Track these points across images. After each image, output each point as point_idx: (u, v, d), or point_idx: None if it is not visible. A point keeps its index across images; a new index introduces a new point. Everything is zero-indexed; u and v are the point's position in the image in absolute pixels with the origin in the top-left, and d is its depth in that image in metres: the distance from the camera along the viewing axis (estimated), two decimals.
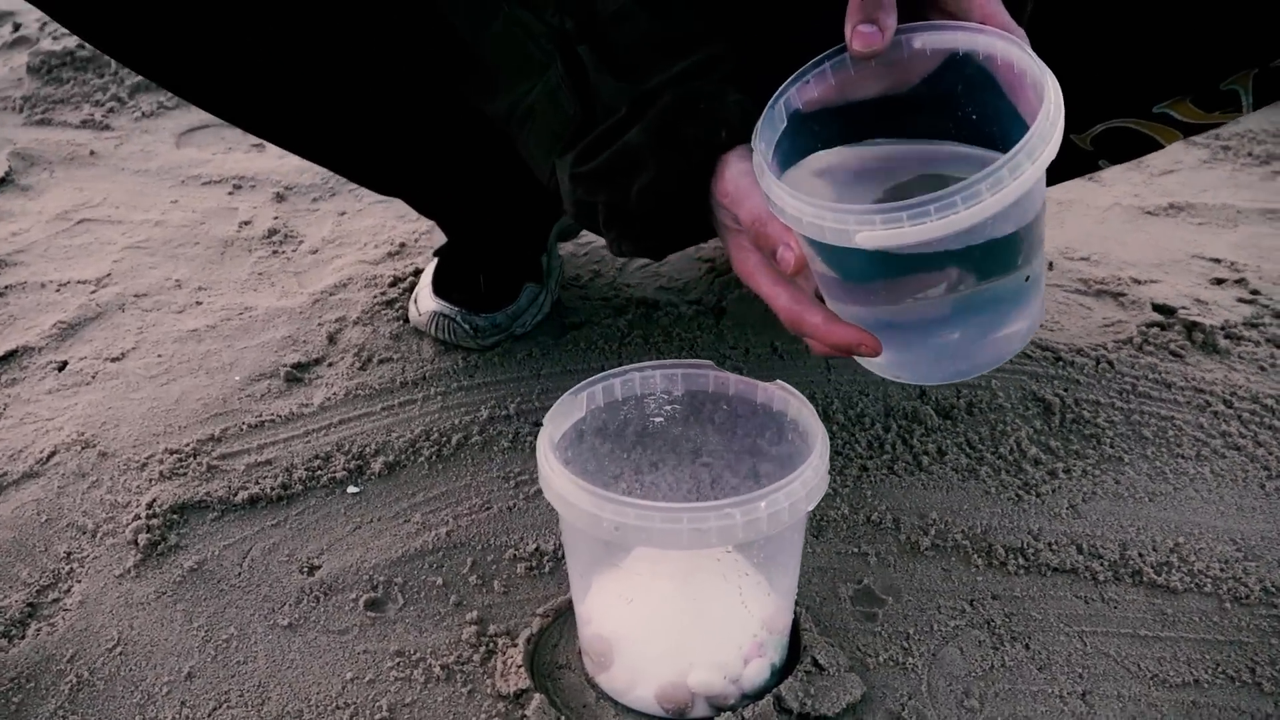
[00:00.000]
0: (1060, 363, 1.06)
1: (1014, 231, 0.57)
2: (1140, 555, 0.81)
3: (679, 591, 0.67)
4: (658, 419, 0.75)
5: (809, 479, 0.62)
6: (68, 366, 1.10)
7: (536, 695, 0.69)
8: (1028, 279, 0.60)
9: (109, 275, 1.28)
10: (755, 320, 1.14)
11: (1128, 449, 0.94)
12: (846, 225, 0.54)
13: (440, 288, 1.13)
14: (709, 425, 0.74)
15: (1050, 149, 0.53)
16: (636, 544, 0.60)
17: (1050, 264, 1.30)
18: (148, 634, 0.76)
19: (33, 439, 0.97)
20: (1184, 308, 1.16)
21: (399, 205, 1.45)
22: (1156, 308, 1.17)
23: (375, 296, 1.21)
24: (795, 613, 0.75)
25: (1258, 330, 1.12)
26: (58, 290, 1.25)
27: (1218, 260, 1.30)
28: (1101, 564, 0.80)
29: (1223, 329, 1.11)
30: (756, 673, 0.68)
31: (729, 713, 0.66)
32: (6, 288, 1.25)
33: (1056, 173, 1.00)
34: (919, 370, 0.66)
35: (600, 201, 0.69)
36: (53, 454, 0.95)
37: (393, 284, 1.23)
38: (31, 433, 0.98)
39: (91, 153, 1.60)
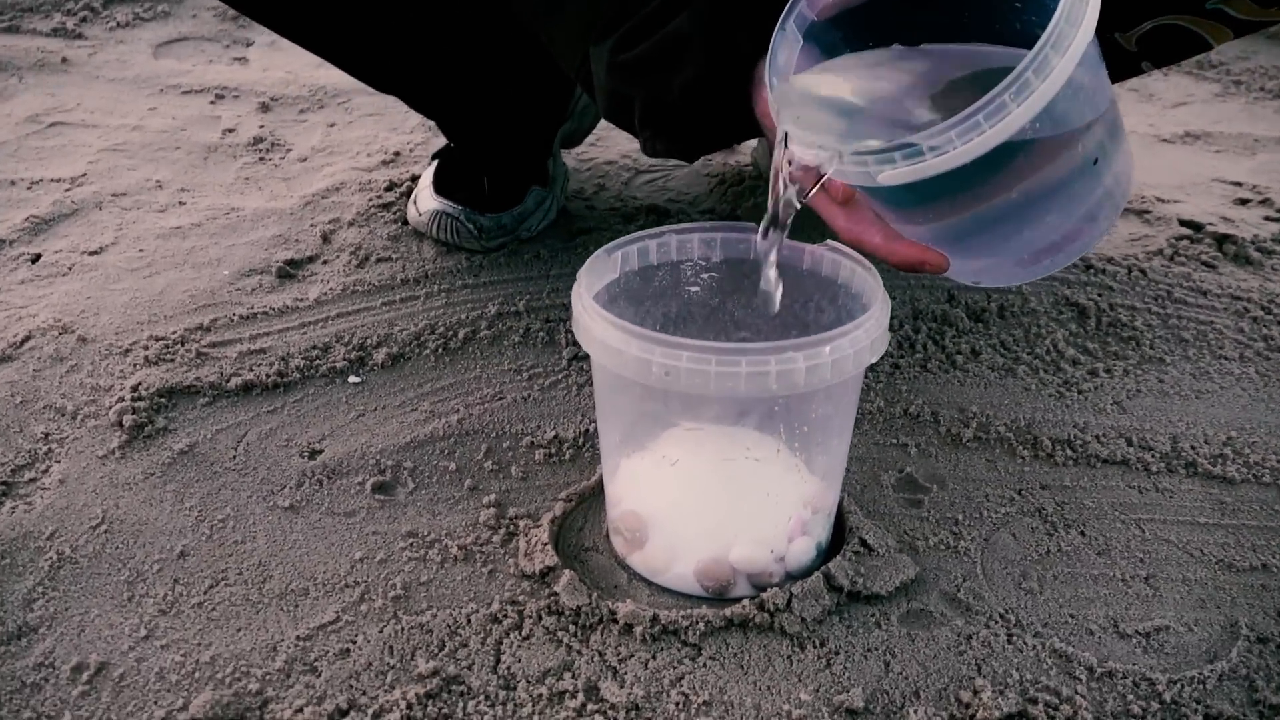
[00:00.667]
0: (1091, 270, 1.02)
1: (1062, 127, 0.52)
2: (1193, 448, 0.77)
3: (720, 463, 0.61)
4: (693, 288, 0.69)
5: (871, 329, 0.57)
6: (42, 259, 1.03)
7: (566, 572, 0.63)
8: (1096, 161, 0.55)
9: (84, 175, 1.20)
10: None
11: (1168, 350, 0.90)
12: (867, 167, 0.50)
13: (442, 187, 1.06)
14: (751, 295, 0.69)
15: (1080, 36, 0.48)
16: (690, 389, 0.54)
17: None
18: (135, 513, 0.70)
19: (4, 325, 0.90)
20: (1211, 224, 1.12)
21: (391, 118, 1.38)
22: (1184, 223, 1.13)
23: (370, 200, 1.15)
24: (840, 499, 0.70)
25: None
26: (29, 188, 1.17)
27: (1239, 183, 1.26)
28: (1153, 456, 0.76)
29: (1253, 242, 1.08)
30: (801, 551, 0.63)
31: (775, 588, 0.61)
32: None
33: None
34: (1002, 273, 0.61)
35: (638, 95, 0.64)
36: (27, 339, 0.88)
37: (388, 188, 1.17)
38: (3, 319, 0.91)
39: (64, 60, 1.51)
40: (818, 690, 0.56)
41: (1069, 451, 0.77)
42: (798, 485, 0.62)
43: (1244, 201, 1.21)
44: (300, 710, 0.55)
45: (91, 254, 1.03)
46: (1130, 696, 0.56)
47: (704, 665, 0.58)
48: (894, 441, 0.78)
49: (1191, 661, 0.59)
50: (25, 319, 0.91)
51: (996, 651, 0.59)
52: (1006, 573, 0.65)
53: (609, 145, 1.33)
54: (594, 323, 0.57)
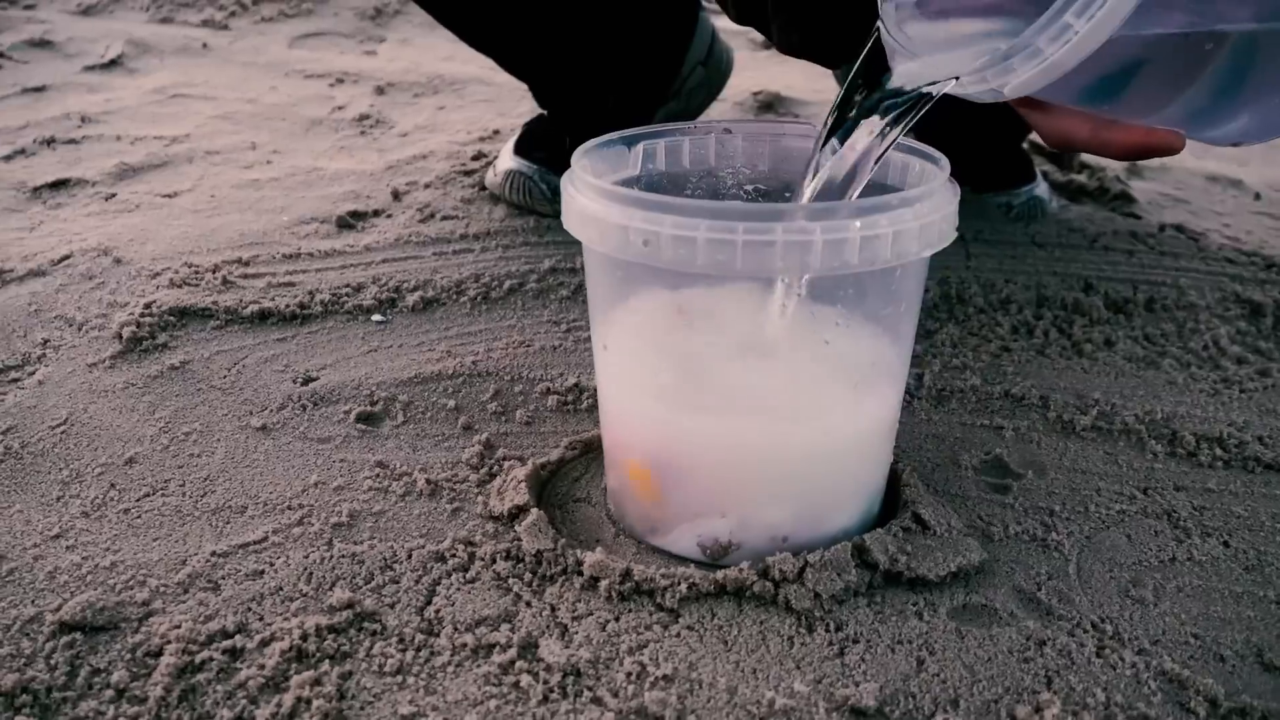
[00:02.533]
0: (1273, 268, 0.84)
1: None
2: None
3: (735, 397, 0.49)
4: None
5: (922, 211, 0.44)
6: (115, 198, 1.01)
7: (534, 512, 0.52)
8: None
9: (187, 135, 1.21)
10: None
11: None
12: (987, 85, 0.40)
13: (521, 148, 1.00)
14: None
15: None
16: (675, 265, 0.42)
17: (1258, 195, 1.07)
18: (100, 419, 0.63)
19: (53, 246, 0.88)
20: None
21: (501, 104, 1.34)
22: None
23: (454, 166, 1.09)
24: (896, 463, 0.55)
25: None
26: (131, 143, 1.18)
27: None
28: None
29: None
30: (836, 520, 0.49)
31: (786, 554, 0.47)
32: (83, 137, 1.19)
33: None
34: (1261, 125, 0.46)
35: None
36: (66, 257, 0.85)
37: (475, 158, 1.11)
38: (55, 242, 0.89)
39: (204, 45, 1.56)
40: (819, 681, 0.42)
41: (1218, 451, 0.60)
42: (841, 440, 0.49)
43: None
44: (178, 626, 0.46)
45: (164, 196, 1.01)
46: None
47: (676, 635, 0.45)
48: (985, 423, 0.63)
49: None
50: (75, 242, 0.88)
51: (1078, 665, 0.43)
52: (1111, 576, 0.49)
53: None
54: (573, 190, 0.47)
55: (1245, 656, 0.44)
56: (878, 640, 0.45)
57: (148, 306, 0.75)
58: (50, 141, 1.17)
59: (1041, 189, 0.99)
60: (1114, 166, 1.12)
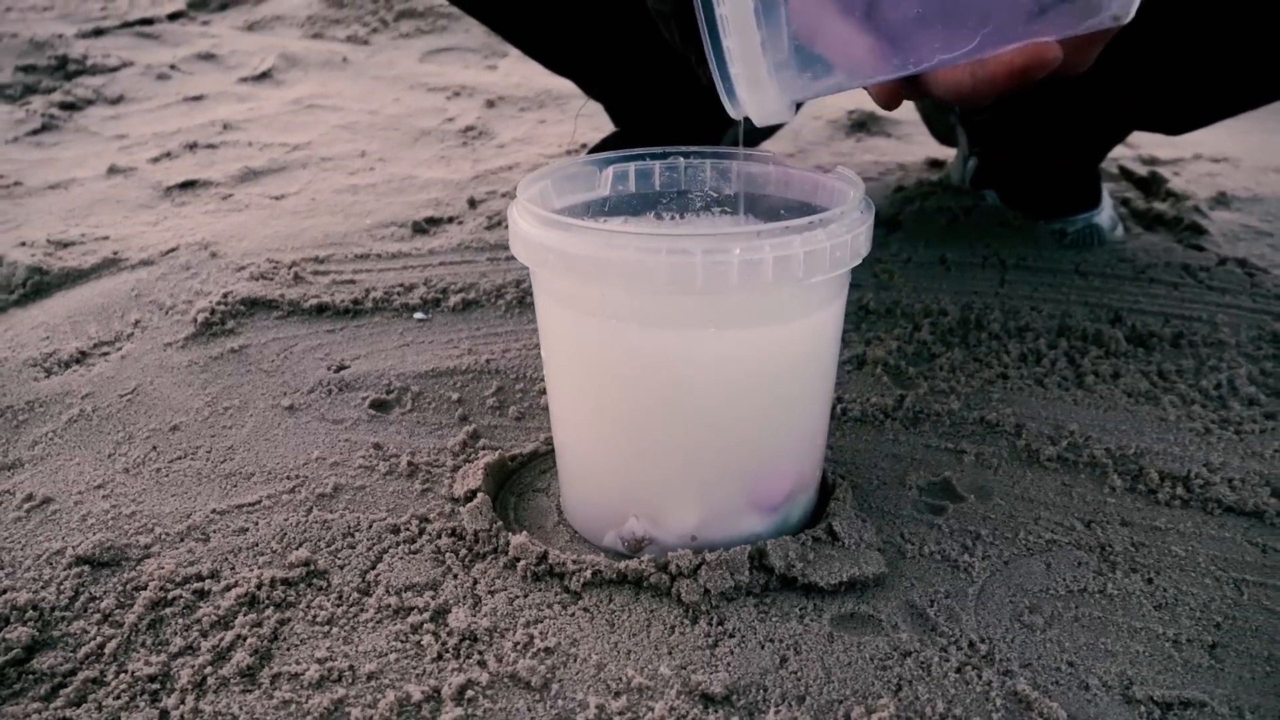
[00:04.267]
0: None
1: None
2: None
3: (660, 404, 0.53)
4: (704, 217, 0.62)
5: (819, 236, 0.46)
6: (231, 198, 1.14)
7: (480, 496, 0.57)
8: None
9: (309, 143, 1.33)
10: (929, 234, 0.96)
11: None
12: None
13: None
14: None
15: None
16: (597, 280, 0.47)
17: None
18: (160, 391, 0.74)
19: (166, 240, 1.01)
20: None
21: (600, 119, 1.40)
22: None
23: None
24: (833, 485, 0.58)
25: None
26: (260, 149, 1.32)
27: None
28: None
29: None
30: (747, 524, 0.53)
31: (687, 550, 0.51)
32: (222, 142, 1.34)
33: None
34: None
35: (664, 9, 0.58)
36: (173, 249, 0.97)
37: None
38: (170, 237, 1.02)
39: (344, 59, 1.70)
40: (682, 667, 0.46)
41: (1180, 490, 0.59)
42: (758, 442, 0.52)
43: None
44: (163, 567, 0.54)
45: (273, 198, 1.13)
46: None
47: (573, 615, 0.50)
48: (950, 446, 0.64)
49: None
50: (185, 236, 1.01)
51: (934, 678, 0.45)
52: (1010, 600, 0.51)
53: (806, 157, 1.27)
54: (516, 216, 0.52)
55: (1111, 688, 0.45)
56: (751, 637, 0.48)
57: (225, 296, 0.86)
58: (193, 146, 1.32)
59: (1103, 216, 0.97)
60: (1199, 196, 1.08)
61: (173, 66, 1.69)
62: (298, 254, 0.96)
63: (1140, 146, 1.26)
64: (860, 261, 0.50)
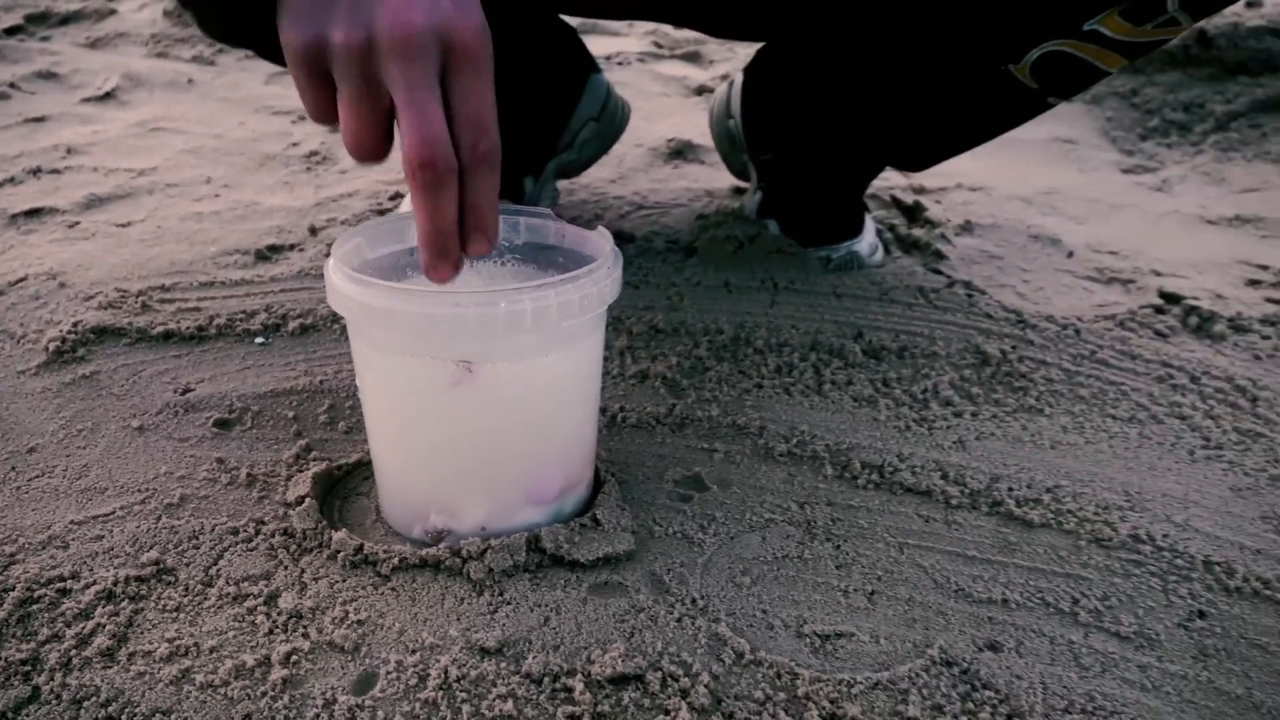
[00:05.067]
0: (1021, 324, 0.98)
1: None
2: (1009, 490, 0.73)
3: (446, 413, 0.65)
4: (496, 264, 0.74)
5: (569, 290, 0.60)
6: (78, 226, 1.20)
7: (309, 501, 0.69)
8: None
9: (155, 168, 1.40)
10: (718, 260, 1.11)
11: (1053, 403, 0.86)
12: None
13: None
14: (550, 272, 0.73)
15: None
16: (391, 328, 0.59)
17: (1071, 253, 1.22)
18: (16, 416, 0.82)
19: (15, 269, 1.07)
20: (1194, 298, 1.05)
21: None
22: (1163, 295, 1.07)
23: (371, 205, 1.27)
24: (604, 477, 0.72)
25: (1274, 327, 1.01)
26: (105, 174, 1.37)
27: (1265, 267, 1.17)
28: (961, 491, 0.73)
29: (1230, 319, 1.01)
30: (526, 516, 0.66)
31: (476, 538, 0.64)
32: (66, 167, 1.38)
33: (1005, 115, 0.94)
34: None
35: None
36: (22, 279, 1.04)
37: (393, 198, 1.28)
38: (18, 266, 1.08)
39: (190, 81, 1.76)
40: (466, 629, 0.59)
41: (875, 476, 0.75)
42: (532, 445, 0.65)
43: (1255, 283, 1.13)
44: (29, 571, 0.63)
45: (119, 226, 1.20)
46: (765, 685, 0.55)
47: (382, 594, 0.62)
48: (705, 446, 0.79)
49: (854, 667, 0.57)
50: (33, 266, 1.07)
51: (659, 626, 0.59)
52: (728, 566, 0.65)
53: (626, 183, 1.41)
54: (331, 274, 0.63)
55: (789, 626, 0.60)
56: (523, 603, 0.61)
57: (75, 325, 0.94)
58: (37, 171, 1.37)
59: (863, 244, 1.14)
60: (950, 223, 1.27)
61: (12, 85, 1.70)
62: (144, 283, 1.04)
63: (914, 177, 1.46)
64: (608, 305, 0.63)
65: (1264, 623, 0.62)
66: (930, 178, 1.46)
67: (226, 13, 0.73)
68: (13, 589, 0.62)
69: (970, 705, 0.55)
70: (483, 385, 0.61)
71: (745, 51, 2.14)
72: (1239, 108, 1.63)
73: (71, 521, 0.69)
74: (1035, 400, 0.86)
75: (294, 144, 1.52)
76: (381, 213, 1.24)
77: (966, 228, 1.27)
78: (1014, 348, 0.94)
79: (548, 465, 0.66)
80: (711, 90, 1.87)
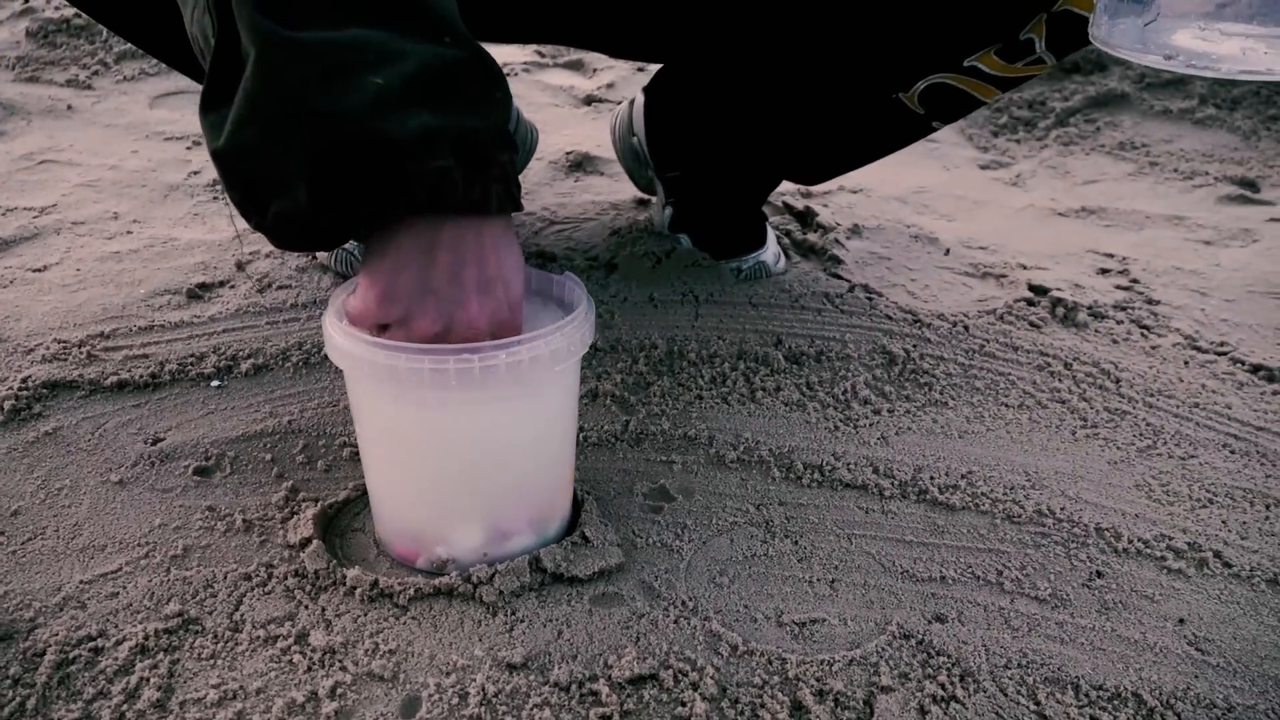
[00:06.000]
0: (918, 324, 1.10)
1: None
2: (931, 478, 0.85)
3: (441, 450, 0.71)
4: None
5: (557, 339, 0.67)
6: None
7: (316, 542, 0.74)
8: None
9: (54, 205, 1.37)
10: (639, 276, 1.19)
11: (955, 396, 0.98)
12: None
13: None
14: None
15: None
16: (398, 383, 0.65)
17: (948, 250, 1.35)
18: None
19: None
20: (1058, 289, 1.20)
21: None
22: (1031, 287, 1.21)
23: None
24: (581, 496, 0.79)
25: (1125, 312, 1.16)
26: (3, 214, 1.34)
27: (1111, 255, 1.34)
28: (891, 483, 0.84)
29: (1089, 308, 1.15)
30: (521, 541, 0.73)
31: (483, 565, 0.70)
32: None
33: (894, 137, 1.06)
34: None
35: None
36: None
37: None
38: None
39: (69, 107, 1.71)
40: (490, 648, 0.66)
41: (817, 475, 0.85)
42: (523, 475, 0.72)
43: (1105, 271, 1.28)
44: (56, 634, 0.66)
45: (34, 271, 1.19)
46: (760, 671, 0.64)
47: (404, 623, 0.68)
48: (664, 459, 0.87)
49: (831, 648, 0.67)
50: None
51: (660, 629, 0.68)
52: (707, 569, 0.74)
53: (533, 198, 1.46)
54: (329, 328, 0.68)
55: (770, 618, 0.69)
56: (535, 620, 0.68)
57: (24, 381, 0.94)
58: None
59: (767, 254, 1.24)
60: (841, 227, 1.39)
61: None
62: (82, 331, 1.04)
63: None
64: (589, 346, 0.71)
65: (1148, 576, 0.75)
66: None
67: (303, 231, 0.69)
68: (44, 653, 0.65)
69: (930, 670, 0.65)
70: (480, 425, 0.68)
71: (625, 62, 2.21)
72: (1075, 104, 1.82)
73: (81, 581, 0.72)
74: (939, 394, 0.98)
75: (194, 172, 1.51)
76: None
77: (856, 231, 1.39)
78: (915, 346, 1.05)
79: (539, 493, 0.73)
80: (600, 100, 1.94)
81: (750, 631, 0.68)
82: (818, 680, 0.64)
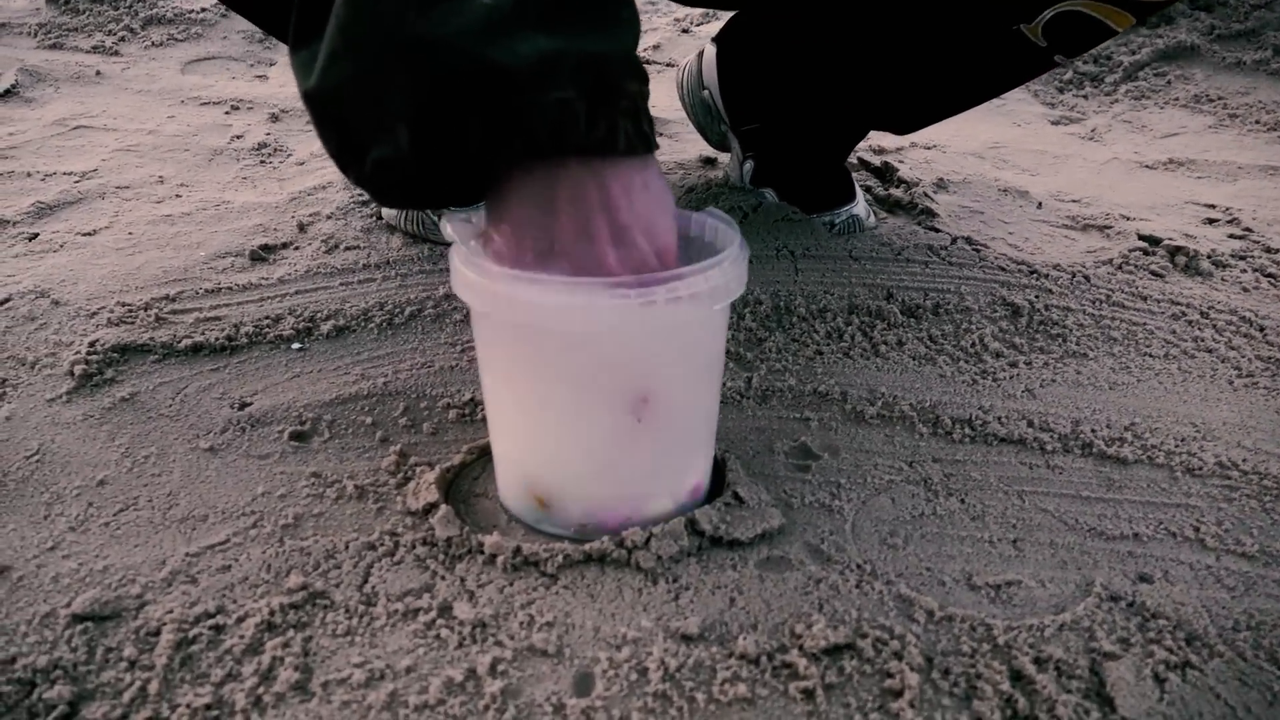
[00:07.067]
0: (1035, 275, 1.03)
1: None
2: (1093, 431, 0.78)
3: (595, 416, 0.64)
4: None
5: (713, 276, 0.59)
6: (39, 237, 1.10)
7: (444, 507, 0.66)
8: None
9: (95, 170, 1.29)
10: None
11: (1093, 347, 0.91)
12: None
13: None
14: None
15: None
16: (559, 320, 0.57)
17: (1040, 204, 1.28)
18: (67, 447, 0.75)
19: None
20: (1170, 239, 1.13)
21: None
22: (1142, 238, 1.14)
23: (353, 196, 1.21)
24: (722, 455, 0.72)
25: (1245, 261, 1.09)
26: (43, 179, 1.26)
27: (1212, 205, 1.27)
28: (1051, 436, 0.77)
29: (1209, 256, 1.08)
30: (661, 507, 0.65)
31: (636, 528, 0.63)
32: None
33: (1014, 73, 0.98)
34: None
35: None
36: (5, 300, 0.95)
37: None
38: None
39: (98, 73, 1.62)
40: (659, 618, 0.59)
41: (968, 430, 0.78)
42: (666, 437, 0.64)
43: (1212, 221, 1.22)
44: (171, 611, 0.59)
45: (85, 235, 1.11)
46: (964, 638, 0.57)
47: (556, 593, 0.61)
48: (798, 416, 0.80)
49: (1036, 612, 0.60)
50: (9, 285, 0.98)
51: (842, 594, 0.61)
52: (874, 530, 0.67)
53: None
54: (459, 262, 0.61)
55: (959, 581, 0.62)
56: (702, 587, 0.61)
57: (92, 345, 0.86)
58: None
59: (859, 208, 1.17)
60: (925, 182, 1.32)
61: None
62: (145, 294, 0.96)
63: (870, 139, 1.50)
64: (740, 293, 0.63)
65: None
66: (884, 139, 1.50)
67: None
68: (159, 632, 0.58)
69: (1151, 634, 0.58)
70: (627, 370, 0.61)
71: (660, 21, 2.14)
72: (1144, 58, 1.75)
73: (187, 554, 0.64)
74: (1076, 345, 0.91)
75: (237, 137, 1.43)
76: (365, 203, 1.19)
77: (942, 185, 1.32)
78: (1037, 297, 0.98)
79: (688, 448, 0.66)
80: (647, 62, 1.86)
81: (943, 596, 0.61)
82: (1031, 647, 0.57)
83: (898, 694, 0.53)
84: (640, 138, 0.59)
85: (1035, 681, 0.54)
